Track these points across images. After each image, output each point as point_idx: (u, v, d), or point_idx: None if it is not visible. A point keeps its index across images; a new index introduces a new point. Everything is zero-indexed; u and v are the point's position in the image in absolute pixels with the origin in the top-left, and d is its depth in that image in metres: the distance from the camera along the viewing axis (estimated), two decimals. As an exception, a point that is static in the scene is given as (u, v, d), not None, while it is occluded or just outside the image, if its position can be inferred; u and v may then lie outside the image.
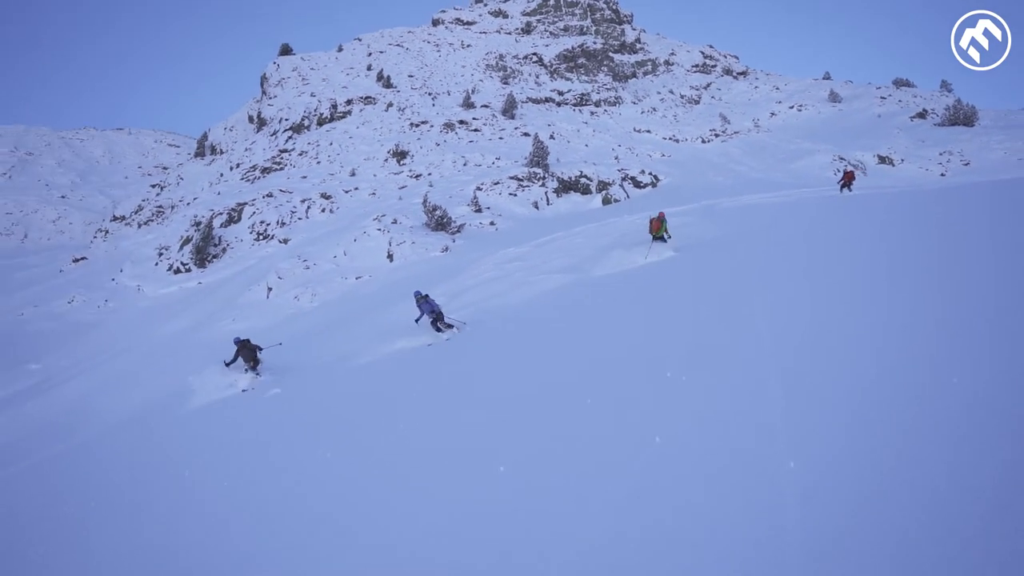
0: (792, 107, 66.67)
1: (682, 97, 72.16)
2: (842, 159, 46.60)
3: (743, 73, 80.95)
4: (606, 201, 41.60)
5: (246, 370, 18.29)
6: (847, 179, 27.86)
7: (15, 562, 8.33)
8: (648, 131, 60.28)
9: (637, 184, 44.34)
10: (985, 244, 10.45)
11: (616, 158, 49.62)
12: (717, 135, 58.86)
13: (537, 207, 41.25)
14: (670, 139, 58.46)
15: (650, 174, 45.53)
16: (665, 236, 19.46)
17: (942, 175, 43.94)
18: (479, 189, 41.94)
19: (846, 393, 5.16)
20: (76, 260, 49.47)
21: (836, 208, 21.72)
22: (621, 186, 43.69)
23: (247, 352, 18.36)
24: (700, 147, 56.24)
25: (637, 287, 14.85)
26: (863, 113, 61.82)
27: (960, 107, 53.93)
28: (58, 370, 29.66)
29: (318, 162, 52.81)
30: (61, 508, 10.51)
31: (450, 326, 16.55)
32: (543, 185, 43.22)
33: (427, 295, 17.02)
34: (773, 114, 65.69)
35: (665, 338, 9.12)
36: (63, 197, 79.03)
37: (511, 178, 43.61)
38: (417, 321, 16.82)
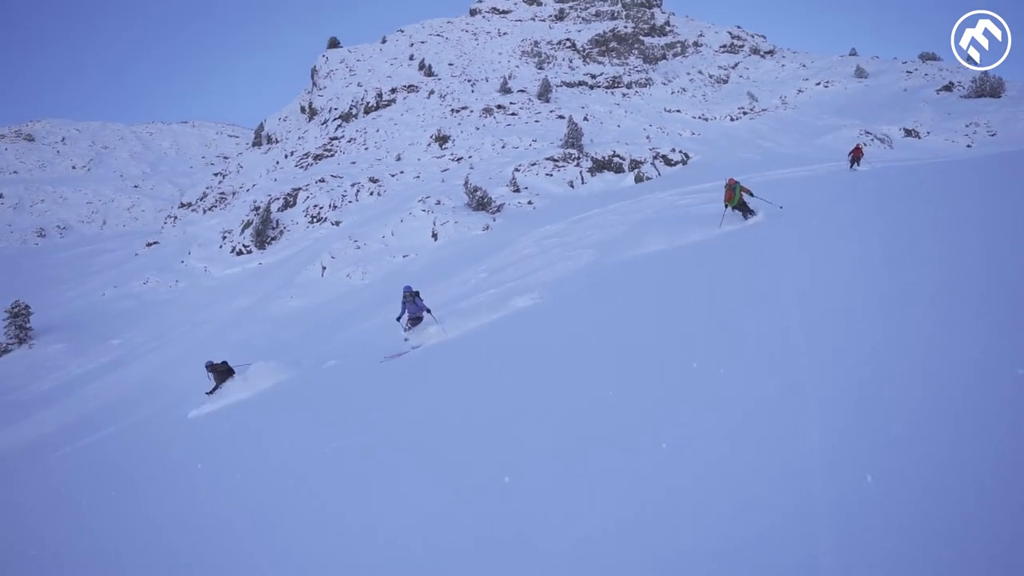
0: (819, 84, 64.57)
1: (711, 77, 70.41)
2: (868, 133, 45.05)
3: (770, 52, 78.60)
4: (638, 179, 40.95)
5: (209, 391, 16.63)
6: (855, 155, 26.95)
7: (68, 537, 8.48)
8: (678, 111, 59.10)
9: (668, 162, 43.57)
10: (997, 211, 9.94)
11: (647, 137, 48.80)
12: (745, 113, 57.44)
13: (572, 186, 40.83)
14: (699, 118, 57.25)
15: (680, 152, 44.69)
16: (745, 212, 16.59)
17: (968, 146, 42.24)
18: (517, 170, 41.64)
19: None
20: (149, 244, 50.62)
21: (857, 181, 21.05)
22: (653, 164, 42.97)
23: (219, 374, 16.94)
24: (729, 125, 54.97)
25: (666, 265, 14.46)
26: (889, 87, 59.59)
27: (987, 79, 51.52)
28: (136, 345, 30.48)
29: (366, 148, 52.95)
30: (102, 488, 10.77)
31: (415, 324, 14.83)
32: (578, 165, 42.73)
33: (417, 292, 15.18)
34: (800, 91, 63.70)
35: (693, 321, 8.45)
36: (136, 187, 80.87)
37: (547, 159, 43.19)
38: (399, 320, 14.99)
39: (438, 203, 36.23)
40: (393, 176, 45.55)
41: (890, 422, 3.68)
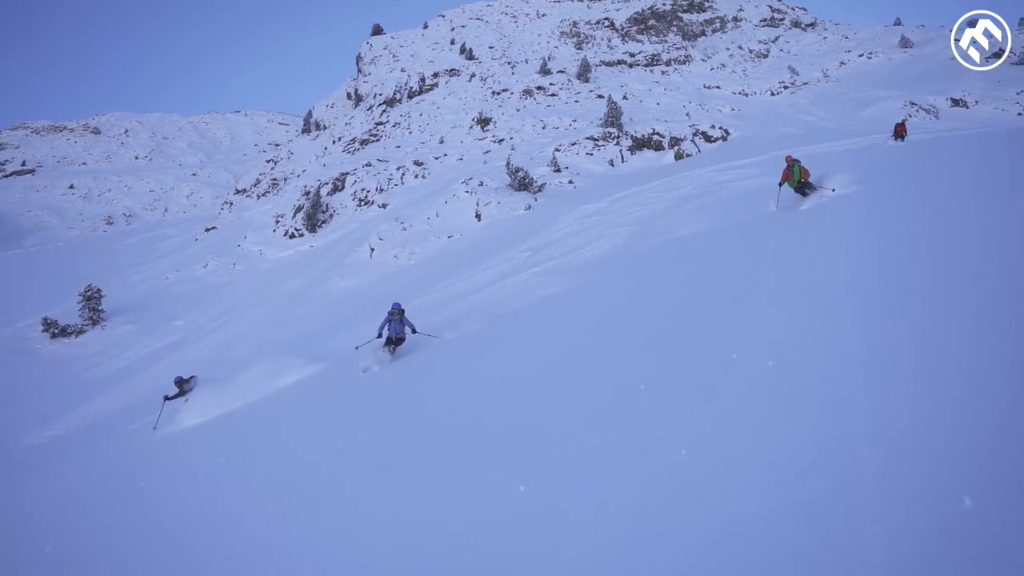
0: (862, 55, 62.18)
1: (751, 52, 68.43)
2: (913, 104, 43.30)
3: (811, 25, 75.94)
4: (678, 156, 40.20)
5: (168, 397, 16.44)
6: (899, 130, 25.84)
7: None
8: (718, 87, 57.65)
9: (708, 138, 42.65)
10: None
11: (687, 114, 47.80)
12: (786, 87, 55.74)
13: (612, 165, 40.32)
14: (739, 93, 55.78)
15: (720, 128, 43.68)
16: (806, 190, 14.88)
17: (1019, 114, 40.31)
18: (557, 150, 41.29)
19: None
20: (208, 229, 51.82)
21: (901, 153, 20.24)
22: (692, 141, 42.11)
23: (183, 388, 16.60)
24: (769, 100, 53.46)
25: (705, 246, 14.11)
26: (935, 57, 57.03)
27: (1040, 44, 48.96)
28: (199, 325, 31.35)
29: (410, 132, 53.09)
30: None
31: (400, 341, 13.45)
32: (617, 144, 42.15)
33: (403, 311, 13.63)
34: (842, 63, 61.43)
35: (731, 306, 7.91)
36: (194, 175, 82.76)
37: (587, 138, 42.71)
38: (379, 336, 13.39)
39: (481, 184, 36.18)
40: (437, 159, 45.62)
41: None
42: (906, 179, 14.29)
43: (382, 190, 42.80)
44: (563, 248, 19.80)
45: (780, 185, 15.14)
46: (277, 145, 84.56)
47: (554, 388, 7.04)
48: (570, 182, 36.89)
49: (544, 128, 47.46)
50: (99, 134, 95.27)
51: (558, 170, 38.34)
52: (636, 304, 9.95)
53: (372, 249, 32.97)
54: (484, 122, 50.95)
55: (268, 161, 64.01)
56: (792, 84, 56.13)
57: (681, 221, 17.33)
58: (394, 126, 55.36)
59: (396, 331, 13.30)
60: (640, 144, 42.29)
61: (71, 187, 78.08)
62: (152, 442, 13.62)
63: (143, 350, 29.63)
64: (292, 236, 41.93)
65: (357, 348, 14.19)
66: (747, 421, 4.24)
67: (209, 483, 8.49)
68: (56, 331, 32.99)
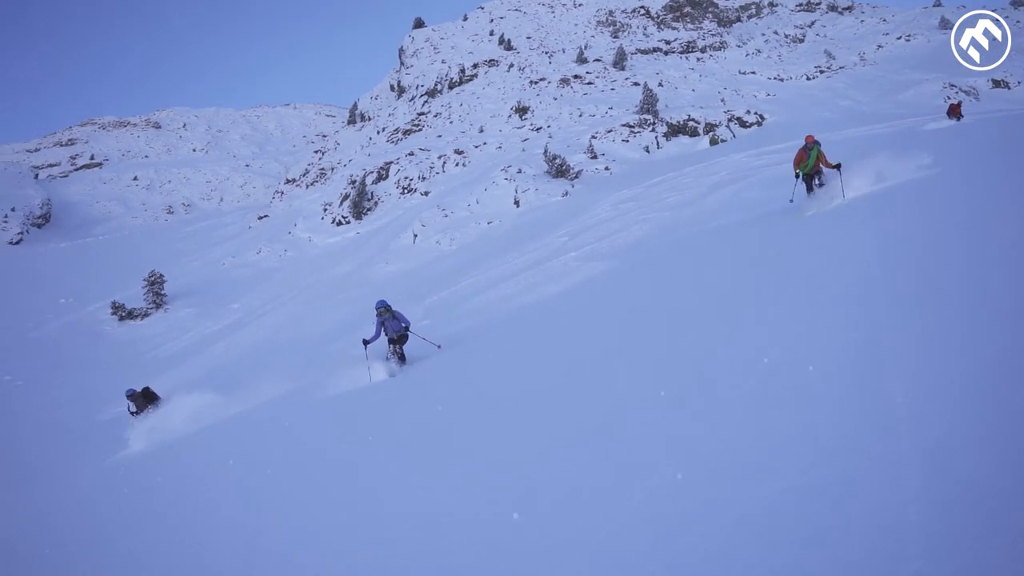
0: (900, 38, 59.93)
1: (786, 37, 66.48)
2: (952, 86, 41.69)
3: (848, 8, 73.32)
4: (713, 142, 39.50)
5: (134, 412, 15.14)
6: (954, 111, 24.85)
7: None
8: (753, 72, 56.23)
9: (743, 124, 41.77)
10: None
11: (722, 100, 46.82)
12: (822, 71, 54.10)
13: (648, 151, 39.83)
14: (775, 79, 54.33)
15: (755, 114, 42.72)
16: (817, 181, 13.05)
17: (1064, 95, 38.51)
18: (594, 137, 40.93)
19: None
20: (260, 218, 52.82)
21: (937, 137, 19.50)
22: (727, 127, 41.31)
23: (139, 403, 15.21)
24: (805, 84, 51.99)
25: (738, 232, 13.74)
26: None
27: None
28: (253, 308, 32.12)
29: (451, 122, 53.16)
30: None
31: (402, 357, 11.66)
32: (653, 130, 41.58)
33: (390, 308, 11.64)
34: (880, 46, 59.29)
35: (760, 301, 7.31)
36: (247, 165, 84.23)
37: (623, 125, 42.23)
38: (367, 344, 11.45)
39: (519, 171, 36.12)
40: (477, 147, 45.63)
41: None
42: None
43: (424, 178, 43.04)
44: (599, 233, 19.72)
45: (797, 176, 13.19)
46: (324, 136, 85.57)
47: (586, 378, 7.01)
48: (606, 168, 36.57)
49: (581, 116, 47.05)
50: (159, 128, 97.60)
51: (594, 157, 38.02)
52: (664, 296, 9.81)
53: (415, 235, 33.25)
54: (522, 111, 50.73)
55: (316, 152, 64.78)
56: (828, 68, 54.45)
57: (713, 210, 17.06)
58: (435, 116, 55.49)
59: (394, 329, 11.60)
60: (675, 130, 41.65)
61: (135, 179, 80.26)
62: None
63: (203, 331, 30.52)
64: (339, 223, 42.51)
65: (370, 370, 11.26)
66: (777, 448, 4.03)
67: (221, 479, 8.41)
68: (123, 314, 34.18)
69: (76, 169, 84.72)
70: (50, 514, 9.62)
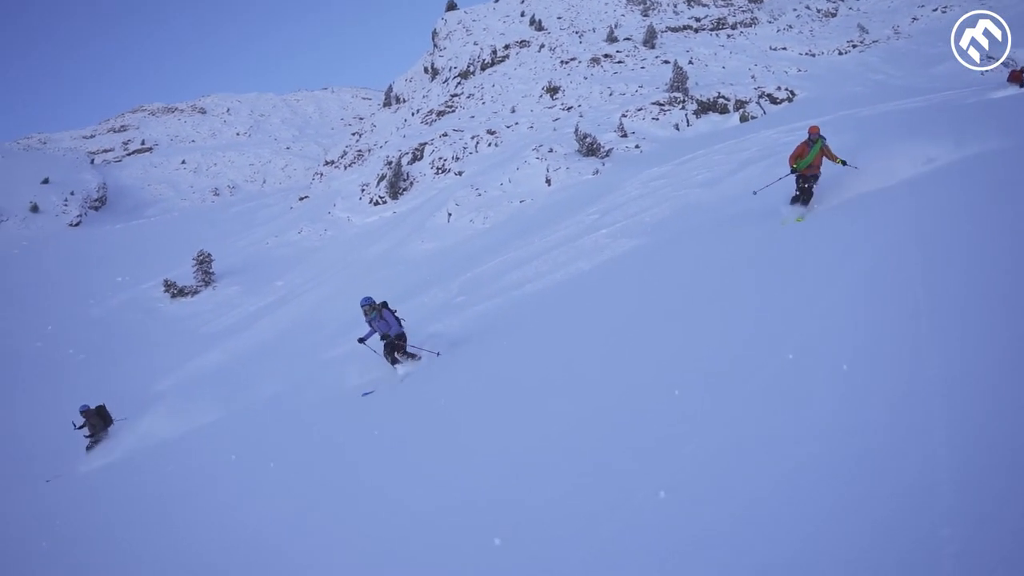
0: (935, 10, 57.27)
1: (818, 11, 64.08)
2: (991, 58, 39.79)
3: (883, -21, 70.41)
4: (743, 119, 38.55)
5: (88, 442, 14.09)
6: (1015, 77, 23.05)
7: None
8: (784, 48, 54.46)
9: (773, 100, 40.67)
10: None
11: (752, 77, 45.56)
12: (855, 46, 52.13)
13: (678, 129, 39.08)
14: (806, 54, 52.55)
15: (786, 90, 41.54)
16: (805, 186, 10.66)
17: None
18: (624, 116, 40.28)
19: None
20: (301, 199, 53.43)
21: (978, 109, 18.68)
22: (758, 103, 40.26)
23: (94, 423, 14.24)
24: (837, 59, 50.20)
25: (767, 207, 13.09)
26: (1017, 7, 52.02)
27: None
28: (296, 285, 32.64)
29: (483, 103, 52.80)
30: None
31: (411, 355, 10.74)
32: (683, 108, 40.75)
33: (381, 306, 10.68)
34: (915, 19, 56.78)
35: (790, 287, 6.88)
36: (288, 148, 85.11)
37: (653, 103, 41.46)
38: (362, 341, 10.77)
39: (550, 151, 35.80)
40: (508, 127, 45.31)
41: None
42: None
43: (458, 158, 42.95)
44: (629, 211, 19.49)
45: (792, 171, 10.76)
46: (361, 119, 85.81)
47: (610, 363, 6.96)
48: (636, 147, 36.03)
49: (611, 95, 46.30)
50: (205, 114, 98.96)
51: (625, 135, 37.47)
52: (691, 274, 9.64)
53: (449, 214, 33.28)
54: (553, 91, 50.12)
55: (353, 134, 65.05)
56: (861, 42, 52.46)
57: (743, 187, 16.58)
58: (468, 97, 55.16)
59: (383, 328, 10.61)
60: (705, 108, 40.75)
61: (183, 162, 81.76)
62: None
63: (249, 308, 31.17)
64: (376, 203, 42.76)
65: (365, 395, 10.29)
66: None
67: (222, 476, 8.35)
68: (175, 292, 35.06)
69: (128, 154, 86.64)
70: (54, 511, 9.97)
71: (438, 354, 10.65)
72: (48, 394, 22.47)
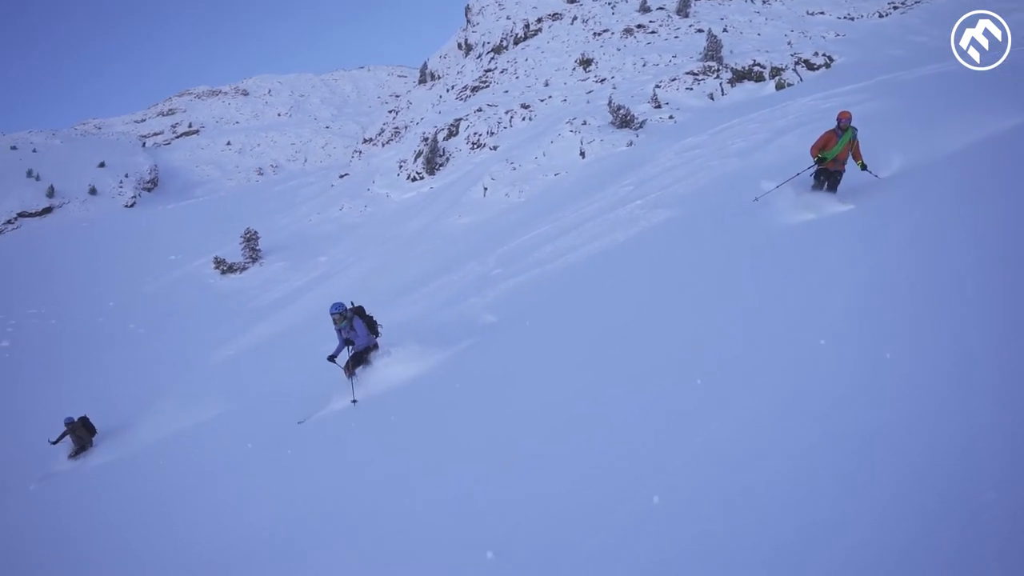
0: (984, -34, 54.31)
1: (859, -28, 61.38)
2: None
3: (928, -63, 66.84)
4: (779, 86, 37.36)
5: (69, 455, 13.57)
6: None
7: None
8: (821, 12, 52.31)
9: (811, 66, 39.24)
10: None
11: (789, 43, 43.99)
12: (896, 7, 49.76)
13: (712, 98, 38.11)
14: (844, 18, 50.42)
15: (824, 55, 40.01)
16: (830, 180, 9.23)
17: None
18: (658, 87, 39.45)
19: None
20: (341, 176, 53.96)
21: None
22: (794, 70, 38.93)
23: (80, 434, 13.74)
24: (877, 22, 48.05)
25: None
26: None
27: None
28: (338, 260, 33.17)
29: (516, 77, 52.22)
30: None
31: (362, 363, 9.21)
32: (717, 77, 39.68)
33: (353, 313, 9.15)
34: (961, -24, 53.97)
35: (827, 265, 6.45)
36: (327, 127, 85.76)
37: (687, 73, 40.46)
38: (332, 360, 9.24)
39: (584, 123, 35.34)
40: (542, 101, 44.82)
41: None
42: None
43: (493, 133, 42.74)
44: (664, 182, 19.20)
45: (816, 163, 9.20)
46: (397, 96, 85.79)
47: (641, 338, 6.93)
48: (670, 117, 35.32)
49: (644, 66, 45.31)
50: (247, 95, 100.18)
51: (658, 106, 36.74)
52: (724, 247, 9.42)
53: (485, 189, 33.25)
54: (586, 63, 49.26)
55: (390, 112, 65.14)
56: (902, 4, 50.11)
57: (778, 156, 16.14)
58: (501, 72, 54.61)
59: (356, 340, 9.15)
60: (740, 76, 39.60)
61: (228, 143, 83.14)
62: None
63: (294, 283, 31.84)
64: (414, 179, 42.93)
65: (300, 423, 8.59)
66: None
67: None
68: (225, 268, 35.98)
69: (177, 137, 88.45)
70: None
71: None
72: (118, 367, 23.45)
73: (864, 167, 9.09)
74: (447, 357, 8.99)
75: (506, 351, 8.60)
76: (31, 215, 61.18)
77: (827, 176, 9.25)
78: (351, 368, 9.09)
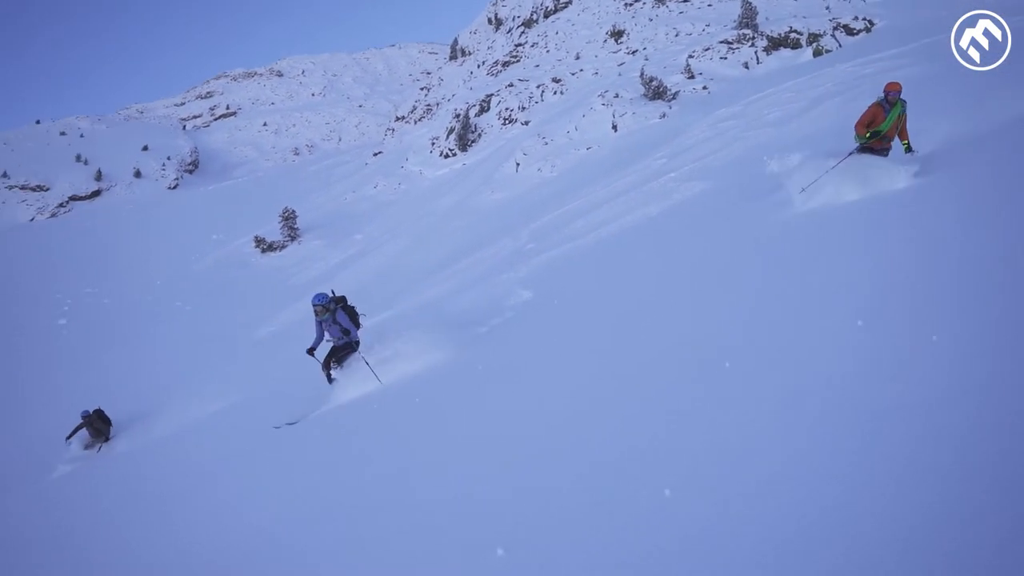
0: (1037, -81, 51.29)
1: (903, -70, 58.54)
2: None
3: None
4: (817, 53, 36.07)
5: (86, 446, 13.65)
6: None
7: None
8: (863, -27, 50.24)
9: (850, 31, 37.74)
10: None
11: (827, 8, 42.28)
12: (943, -35, 47.49)
13: (747, 67, 37.02)
14: (888, -22, 48.35)
15: (863, 19, 38.41)
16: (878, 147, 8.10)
17: None
18: (691, 57, 38.47)
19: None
20: (375, 154, 54.26)
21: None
22: (833, 36, 37.49)
23: (97, 426, 13.74)
24: (922, -19, 45.95)
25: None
26: None
27: None
28: (374, 238, 33.53)
29: (547, 51, 51.49)
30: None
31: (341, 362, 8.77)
32: (752, 45, 38.47)
33: (328, 307, 8.58)
34: (1012, -69, 51.04)
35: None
36: (360, 106, 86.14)
37: (721, 42, 39.31)
38: (311, 353, 8.75)
39: (616, 96, 34.77)
40: (573, 75, 44.17)
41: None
42: None
43: (524, 108, 42.37)
44: (697, 154, 18.85)
45: (861, 140, 8.03)
46: (428, 73, 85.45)
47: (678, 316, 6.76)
48: (704, 88, 34.49)
49: (677, 36, 44.18)
50: (282, 76, 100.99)
51: (691, 77, 35.89)
52: (755, 221, 9.13)
53: (517, 164, 33.10)
54: (617, 35, 48.26)
55: (422, 89, 65.04)
56: (950, -38, 47.72)
57: (815, 125, 15.62)
58: (532, 46, 53.88)
59: (334, 335, 8.73)
60: (776, 44, 38.32)
61: (264, 125, 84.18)
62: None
63: (332, 260, 32.35)
64: (446, 156, 42.93)
65: (277, 427, 8.10)
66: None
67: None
68: (265, 247, 36.72)
69: (215, 119, 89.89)
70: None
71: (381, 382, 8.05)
72: (166, 343, 24.27)
73: (909, 148, 8.11)
74: (465, 342, 8.67)
75: (524, 339, 8.34)
76: (81, 198, 63.27)
77: (873, 155, 8.10)
78: (328, 364, 8.74)
